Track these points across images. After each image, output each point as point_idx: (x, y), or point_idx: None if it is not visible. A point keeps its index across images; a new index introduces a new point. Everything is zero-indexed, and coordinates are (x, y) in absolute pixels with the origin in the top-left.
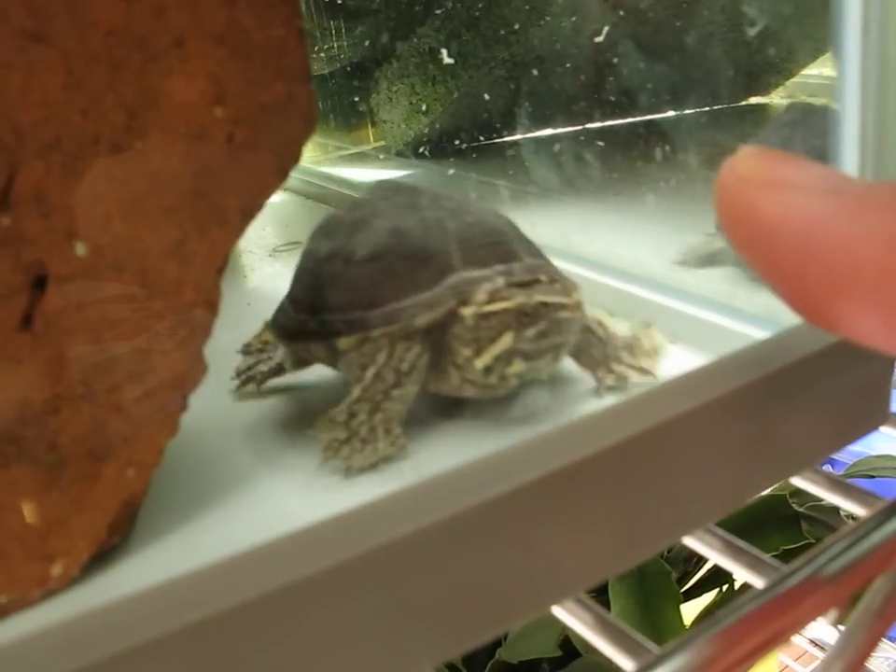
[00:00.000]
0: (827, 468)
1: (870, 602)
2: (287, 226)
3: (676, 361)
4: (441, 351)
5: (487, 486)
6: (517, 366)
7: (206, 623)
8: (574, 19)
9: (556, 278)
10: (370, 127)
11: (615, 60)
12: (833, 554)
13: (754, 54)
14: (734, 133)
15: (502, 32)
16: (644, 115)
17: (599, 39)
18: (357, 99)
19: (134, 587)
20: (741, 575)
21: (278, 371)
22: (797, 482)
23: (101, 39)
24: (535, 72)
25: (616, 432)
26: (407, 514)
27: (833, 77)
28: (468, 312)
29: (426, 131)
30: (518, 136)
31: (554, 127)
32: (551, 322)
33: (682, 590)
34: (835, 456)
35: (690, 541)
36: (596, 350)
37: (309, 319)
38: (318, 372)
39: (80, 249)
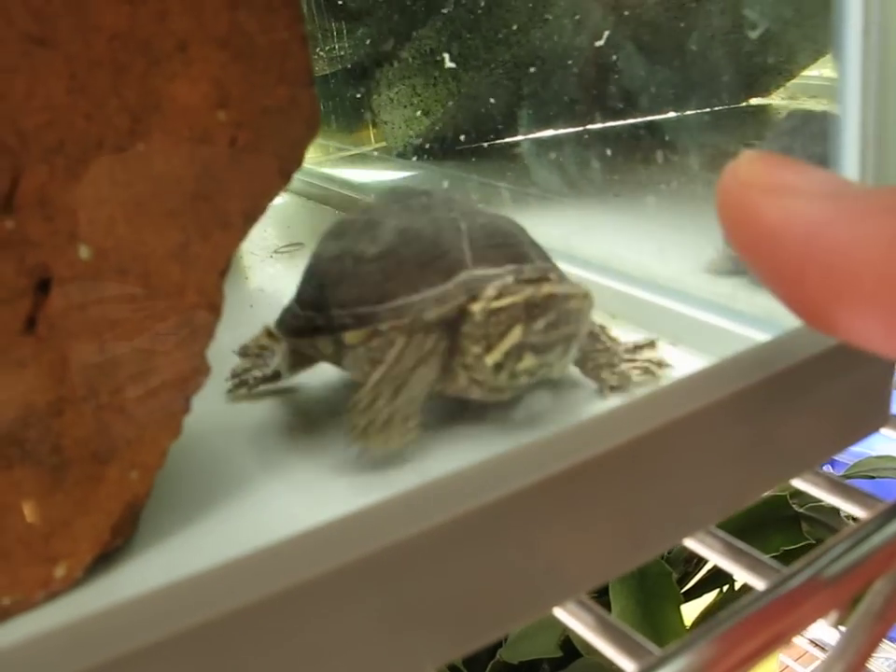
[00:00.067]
0: (827, 468)
1: (870, 603)
2: (289, 227)
3: (677, 364)
4: (451, 352)
5: (489, 489)
6: (528, 361)
7: (209, 626)
8: (575, 20)
9: (565, 279)
10: (370, 128)
11: (616, 61)
12: (833, 556)
13: (755, 56)
14: (734, 134)
15: (503, 33)
16: (645, 116)
17: (600, 40)
18: (357, 100)
19: (138, 589)
20: (742, 576)
21: (273, 377)
22: (798, 483)
23: (104, 43)
24: (536, 73)
25: (617, 435)
26: (410, 517)
27: (834, 79)
28: (477, 307)
29: (426, 132)
30: (519, 138)
31: (555, 128)
32: (560, 312)
33: (683, 590)
34: (836, 457)
35: (690, 543)
36: (600, 356)
37: (316, 316)
38: (315, 376)
39: (84, 252)
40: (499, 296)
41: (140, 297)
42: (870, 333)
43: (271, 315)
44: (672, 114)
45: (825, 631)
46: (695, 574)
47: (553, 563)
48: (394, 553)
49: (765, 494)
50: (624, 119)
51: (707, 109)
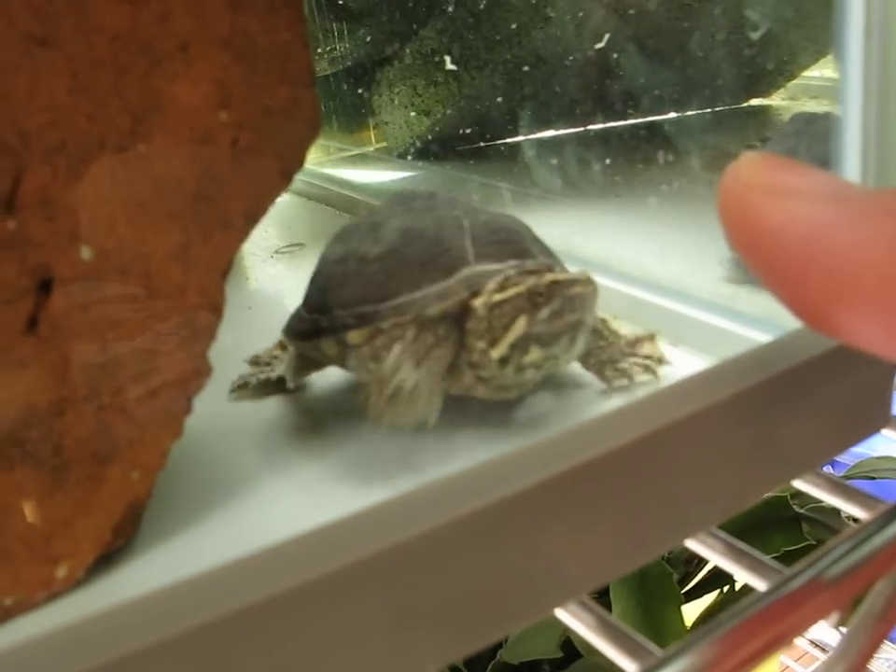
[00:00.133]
0: (828, 469)
1: (872, 604)
2: (290, 227)
3: (678, 364)
4: (457, 350)
5: (490, 490)
6: (534, 354)
7: (211, 627)
8: (576, 20)
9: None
10: (371, 129)
11: (617, 61)
12: (835, 557)
13: (756, 56)
14: (735, 134)
15: (504, 34)
16: (646, 116)
17: (601, 41)
18: (359, 101)
19: (139, 590)
20: (742, 577)
21: (277, 383)
22: (798, 484)
23: (106, 44)
24: (537, 73)
25: (619, 436)
26: (412, 518)
27: (835, 80)
28: (479, 302)
29: (427, 133)
30: (520, 138)
31: (556, 129)
32: (564, 300)
33: (683, 591)
34: (837, 458)
35: (691, 543)
36: (602, 351)
37: (321, 318)
38: (317, 378)
39: (85, 253)
40: (501, 288)
41: (141, 297)
42: (870, 335)
43: (271, 317)
44: (673, 114)
45: (826, 632)
46: (696, 575)
47: (554, 563)
48: (396, 553)
49: (766, 495)
50: (625, 119)
51: (708, 110)
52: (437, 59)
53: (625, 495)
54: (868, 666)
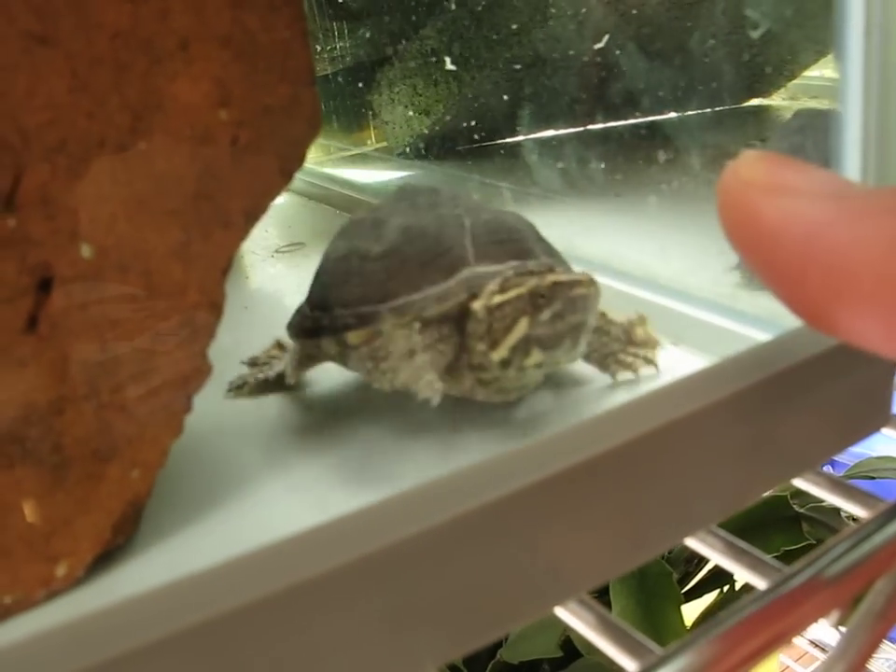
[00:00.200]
0: (828, 469)
1: (871, 603)
2: (290, 227)
3: (678, 363)
4: (456, 352)
5: (490, 489)
6: (535, 356)
7: (210, 624)
8: (576, 20)
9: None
10: (371, 128)
11: (617, 61)
12: (834, 556)
13: (756, 56)
14: (735, 134)
15: (504, 33)
16: (646, 116)
17: (601, 40)
18: (359, 100)
19: (139, 588)
20: (742, 576)
21: (276, 382)
22: (798, 483)
23: (106, 42)
24: (537, 73)
25: (619, 434)
26: (411, 516)
27: (835, 79)
28: (478, 305)
29: (427, 132)
30: (520, 138)
31: (556, 128)
32: (566, 301)
33: (683, 590)
34: (836, 457)
35: (691, 542)
36: (604, 345)
37: (323, 316)
38: (317, 376)
39: (85, 251)
40: (501, 290)
41: (141, 296)
42: (870, 333)
43: (271, 317)
44: (673, 114)
45: (825, 632)
46: (696, 574)
47: (554, 562)
48: (396, 551)
49: (766, 494)
50: (625, 119)
51: (709, 109)
52: (437, 58)
53: (625, 493)
54: (868, 666)
